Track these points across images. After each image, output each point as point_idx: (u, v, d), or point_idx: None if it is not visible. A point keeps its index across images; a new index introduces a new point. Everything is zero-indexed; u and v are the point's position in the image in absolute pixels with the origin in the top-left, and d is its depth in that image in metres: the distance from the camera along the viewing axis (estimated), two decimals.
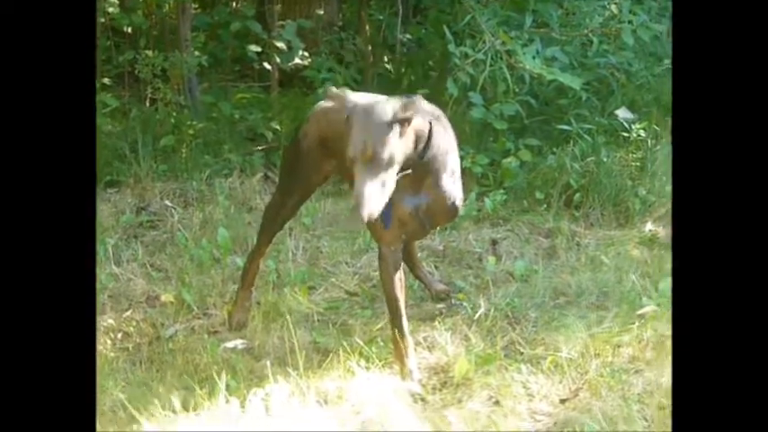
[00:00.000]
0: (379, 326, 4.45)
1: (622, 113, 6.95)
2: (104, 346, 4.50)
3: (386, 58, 8.67)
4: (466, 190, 6.24)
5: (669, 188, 6.31)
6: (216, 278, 5.19)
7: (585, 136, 6.79)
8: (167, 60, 7.64)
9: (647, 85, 7.49)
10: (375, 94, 4.01)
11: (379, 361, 4.20)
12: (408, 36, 8.47)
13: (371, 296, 5.07)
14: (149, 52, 7.87)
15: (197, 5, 9.57)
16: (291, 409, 3.80)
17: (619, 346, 4.36)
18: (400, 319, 4.16)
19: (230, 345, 4.51)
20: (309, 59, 8.26)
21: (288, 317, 4.50)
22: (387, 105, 3.70)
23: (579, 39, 7.59)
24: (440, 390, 4.09)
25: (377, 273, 5.21)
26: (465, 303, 4.82)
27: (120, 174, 6.83)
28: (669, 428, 3.62)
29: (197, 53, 7.99)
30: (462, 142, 6.49)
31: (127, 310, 4.92)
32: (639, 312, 4.63)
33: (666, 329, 4.42)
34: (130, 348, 4.49)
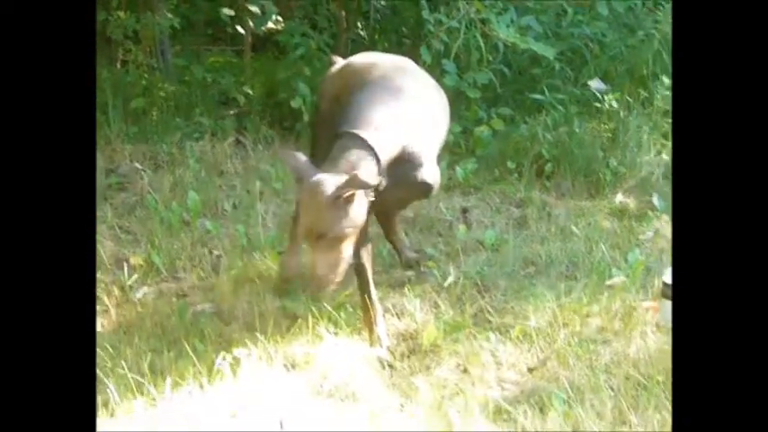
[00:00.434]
0: (348, 292, 4.44)
1: (595, 84, 6.95)
2: None
3: (359, 25, 8.62)
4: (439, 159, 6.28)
5: (639, 160, 6.34)
6: (185, 241, 5.17)
7: (558, 106, 6.81)
8: (139, 22, 7.59)
9: (621, 57, 7.48)
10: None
11: (348, 327, 4.20)
12: (382, 2, 8.42)
13: None
14: (121, 13, 7.81)
15: None
16: (259, 374, 3.80)
17: (587, 317, 4.38)
18: (368, 285, 4.15)
19: (199, 308, 4.50)
20: (283, 24, 8.20)
21: (257, 281, 4.50)
22: (329, 183, 3.63)
23: (554, 8, 7.60)
24: (408, 356, 4.10)
25: None
26: (435, 271, 4.82)
27: None
28: (635, 399, 3.68)
29: (170, 15, 7.91)
30: None
31: (96, 271, 4.89)
32: (608, 283, 4.65)
33: (635, 301, 4.45)
34: (99, 310, 4.46)
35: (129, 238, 5.35)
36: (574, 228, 5.47)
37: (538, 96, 6.94)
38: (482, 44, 6.74)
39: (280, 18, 8.18)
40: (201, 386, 3.72)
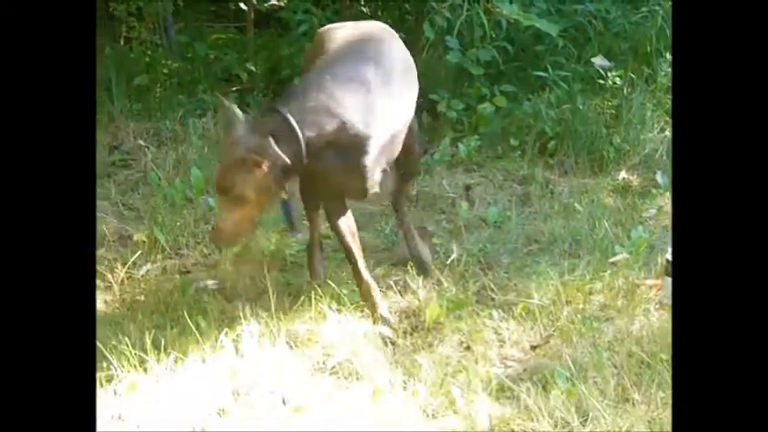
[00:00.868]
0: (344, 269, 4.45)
1: (599, 61, 6.93)
2: None
3: (362, 1, 8.60)
4: (440, 135, 6.28)
5: (643, 137, 6.33)
6: (188, 218, 5.17)
7: (561, 83, 6.78)
8: None
9: (624, 34, 7.45)
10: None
11: (351, 304, 4.20)
12: None
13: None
14: None
15: None
16: (262, 351, 3.81)
17: (590, 294, 4.38)
18: (356, 265, 4.16)
19: (201, 285, 4.50)
20: (285, 1, 8.18)
21: (260, 258, 4.50)
22: (242, 143, 3.69)
23: None
24: (411, 334, 4.10)
25: None
26: (437, 248, 4.82)
27: None
28: (638, 376, 3.68)
29: None
30: (438, 86, 6.51)
31: (99, 248, 4.89)
32: (611, 260, 4.65)
33: (638, 278, 4.45)
34: (102, 287, 4.47)
35: (133, 215, 5.36)
36: (577, 205, 5.47)
37: (541, 73, 6.91)
38: (485, 21, 6.71)
39: None
40: (204, 362, 3.72)
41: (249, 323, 3.93)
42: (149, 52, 7.70)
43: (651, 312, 4.20)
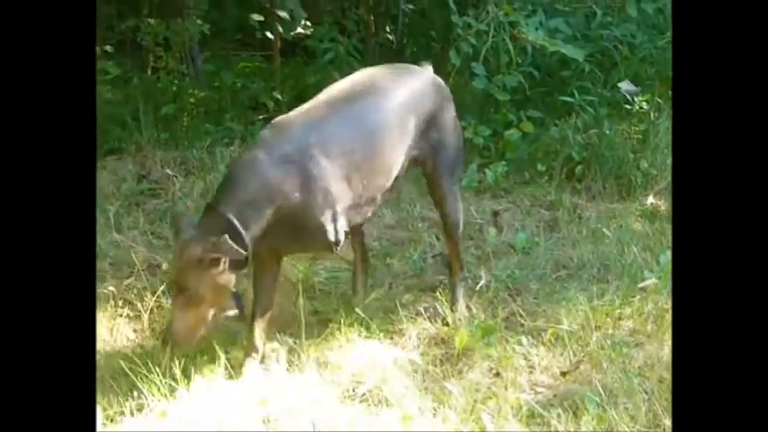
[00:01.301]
0: (378, 296, 4.45)
1: (625, 86, 6.93)
2: (105, 313, 4.50)
3: (388, 28, 8.62)
4: (466, 161, 6.28)
5: (670, 161, 6.31)
6: None
7: (588, 108, 6.78)
8: (170, 28, 7.64)
9: (650, 58, 7.45)
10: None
11: (380, 331, 4.20)
12: (410, 6, 8.41)
13: (372, 266, 5.07)
14: (152, 20, 7.85)
15: None
16: (292, 378, 3.81)
17: (620, 319, 4.37)
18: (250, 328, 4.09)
19: (230, 314, 4.50)
20: (312, 29, 8.21)
21: (288, 285, 4.51)
22: (197, 242, 3.64)
23: (583, 10, 7.58)
24: (440, 361, 4.09)
25: (377, 243, 5.25)
26: (466, 275, 4.82)
27: (122, 141, 6.81)
28: (669, 402, 3.66)
29: (199, 21, 7.95)
30: (464, 113, 6.52)
31: (128, 277, 4.91)
32: (641, 285, 4.63)
33: (667, 303, 4.43)
34: (131, 316, 4.49)
35: (161, 244, 5.37)
36: (605, 230, 5.46)
37: (567, 99, 6.91)
38: (511, 47, 6.72)
39: (308, 23, 8.19)
40: (234, 390, 3.73)
41: (278, 351, 3.93)
42: (176, 81, 7.75)
43: None
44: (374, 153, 4.02)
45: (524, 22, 6.69)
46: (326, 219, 3.85)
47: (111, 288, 4.76)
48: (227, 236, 3.57)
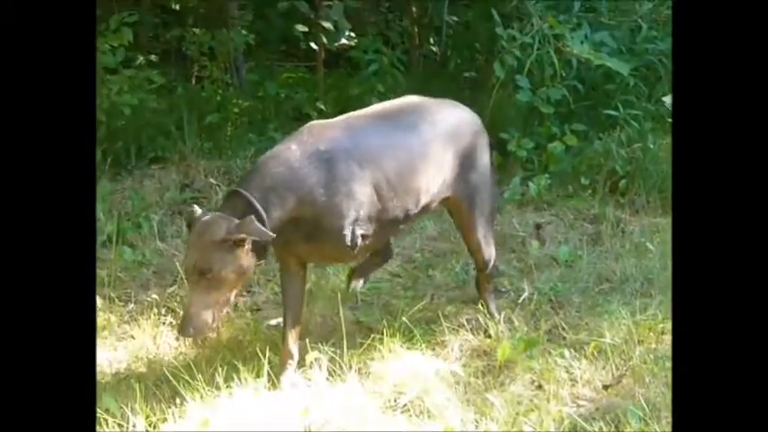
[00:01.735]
0: (418, 306, 4.46)
1: (669, 100, 6.90)
2: (148, 321, 4.52)
3: (432, 40, 8.64)
4: (510, 174, 6.28)
5: None
6: None
7: (632, 122, 6.77)
8: (214, 39, 7.70)
9: None
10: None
11: (423, 342, 4.19)
12: (455, 18, 8.42)
13: (414, 277, 5.07)
14: (197, 30, 7.92)
15: None
16: (334, 388, 3.81)
17: (663, 334, 4.35)
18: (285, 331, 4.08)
19: (273, 322, 4.52)
20: (356, 40, 8.24)
21: (330, 296, 4.51)
22: (220, 222, 3.60)
23: (628, 24, 7.55)
24: (483, 373, 4.08)
25: (419, 254, 5.25)
26: (508, 287, 4.81)
27: (166, 150, 6.86)
28: None
29: (244, 32, 8.01)
30: (508, 125, 6.52)
31: (171, 285, 4.94)
32: None
33: None
34: (174, 323, 4.50)
35: None
36: (648, 244, 5.44)
37: (612, 112, 6.90)
38: (555, 60, 6.71)
39: (353, 34, 8.22)
40: (276, 399, 3.73)
41: (321, 361, 3.94)
42: (221, 91, 7.79)
43: None
44: (406, 172, 4.00)
45: (569, 35, 6.69)
46: (346, 222, 3.84)
47: (154, 296, 4.80)
48: (252, 216, 3.56)
